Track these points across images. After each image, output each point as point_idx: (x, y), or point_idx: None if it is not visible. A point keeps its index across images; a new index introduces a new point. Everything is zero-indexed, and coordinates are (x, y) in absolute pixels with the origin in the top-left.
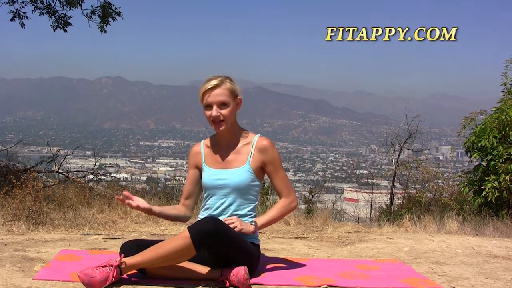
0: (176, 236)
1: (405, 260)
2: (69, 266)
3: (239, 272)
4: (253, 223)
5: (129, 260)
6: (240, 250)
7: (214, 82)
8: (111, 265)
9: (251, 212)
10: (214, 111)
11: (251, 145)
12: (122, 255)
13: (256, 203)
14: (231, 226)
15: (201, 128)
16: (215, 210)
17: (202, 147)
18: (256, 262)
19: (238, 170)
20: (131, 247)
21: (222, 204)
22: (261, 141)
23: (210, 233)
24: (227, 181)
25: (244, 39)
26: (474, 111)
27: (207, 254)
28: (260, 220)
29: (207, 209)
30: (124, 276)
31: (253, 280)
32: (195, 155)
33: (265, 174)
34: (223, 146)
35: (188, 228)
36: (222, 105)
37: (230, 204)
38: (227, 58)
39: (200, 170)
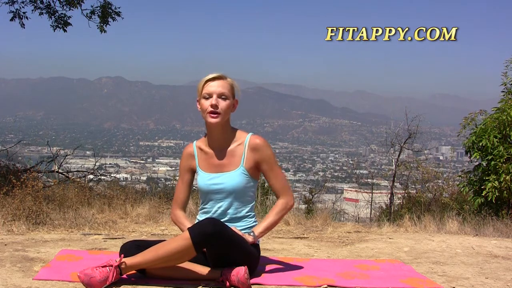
0: (177, 237)
1: (405, 260)
2: (69, 266)
3: (239, 272)
4: (251, 234)
5: (129, 260)
6: (240, 250)
7: (217, 74)
8: (111, 265)
9: (249, 213)
10: (214, 100)
11: (244, 145)
12: (122, 255)
13: (254, 202)
14: None
15: (201, 128)
16: (213, 214)
17: (195, 149)
18: (256, 262)
19: (233, 174)
20: (131, 247)
21: (219, 208)
22: (253, 139)
23: (210, 234)
24: (223, 186)
25: (244, 39)
26: (474, 111)
27: (207, 254)
28: (258, 229)
29: (205, 212)
30: (124, 276)
31: (253, 280)
32: (188, 158)
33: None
34: (216, 149)
35: (188, 229)
36: (221, 97)
37: (228, 208)
38: (227, 58)
39: (193, 173)
